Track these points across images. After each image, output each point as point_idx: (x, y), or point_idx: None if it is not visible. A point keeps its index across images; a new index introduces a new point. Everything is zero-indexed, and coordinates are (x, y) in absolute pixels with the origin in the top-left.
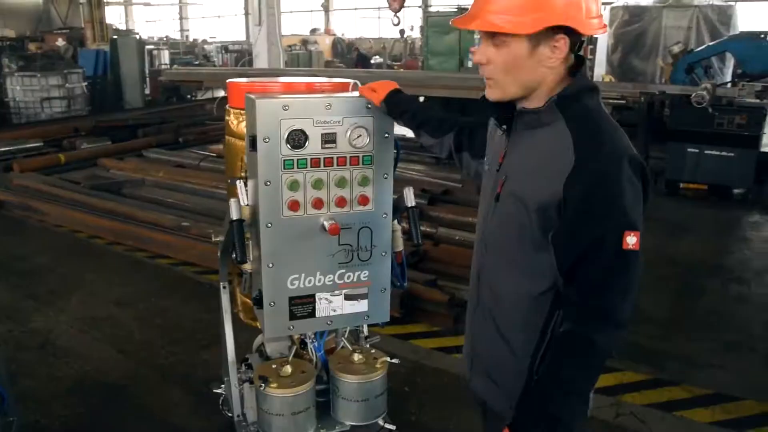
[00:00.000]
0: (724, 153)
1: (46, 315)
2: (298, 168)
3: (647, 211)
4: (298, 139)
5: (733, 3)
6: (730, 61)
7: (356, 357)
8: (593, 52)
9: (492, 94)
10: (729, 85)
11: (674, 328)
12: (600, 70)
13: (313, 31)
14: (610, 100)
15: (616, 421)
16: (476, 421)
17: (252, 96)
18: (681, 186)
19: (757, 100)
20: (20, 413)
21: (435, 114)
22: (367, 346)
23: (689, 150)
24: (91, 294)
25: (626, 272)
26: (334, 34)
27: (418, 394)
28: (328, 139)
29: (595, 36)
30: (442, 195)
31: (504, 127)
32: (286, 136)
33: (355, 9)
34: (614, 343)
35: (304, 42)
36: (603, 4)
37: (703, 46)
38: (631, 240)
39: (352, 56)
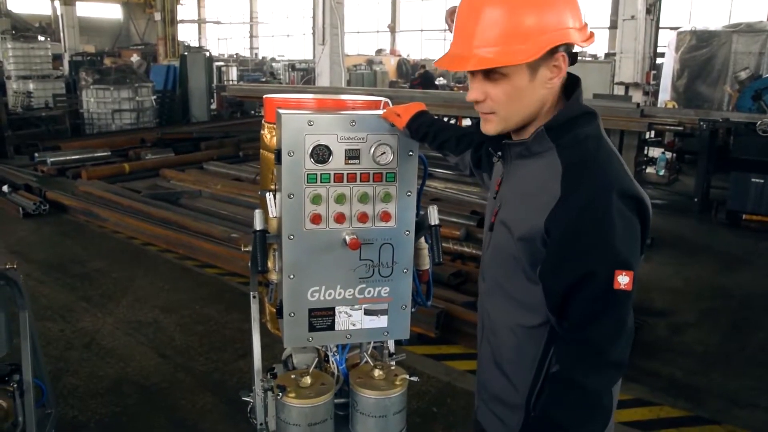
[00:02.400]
0: None
1: (95, 316)
2: (321, 182)
3: (646, 251)
4: (322, 154)
5: None
6: None
7: (377, 373)
8: (656, 77)
9: (492, 129)
10: None
11: (719, 364)
12: (664, 96)
13: (379, 51)
14: (667, 127)
15: None
16: None
17: (280, 111)
18: (743, 217)
19: None
20: (58, 407)
21: (455, 132)
22: (392, 363)
23: (753, 180)
24: (139, 299)
25: (616, 313)
26: (400, 55)
27: (446, 416)
28: (352, 155)
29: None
30: (473, 214)
31: (499, 154)
32: (310, 151)
33: (421, 30)
34: (609, 384)
35: (369, 62)
36: (671, 29)
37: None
38: (623, 280)
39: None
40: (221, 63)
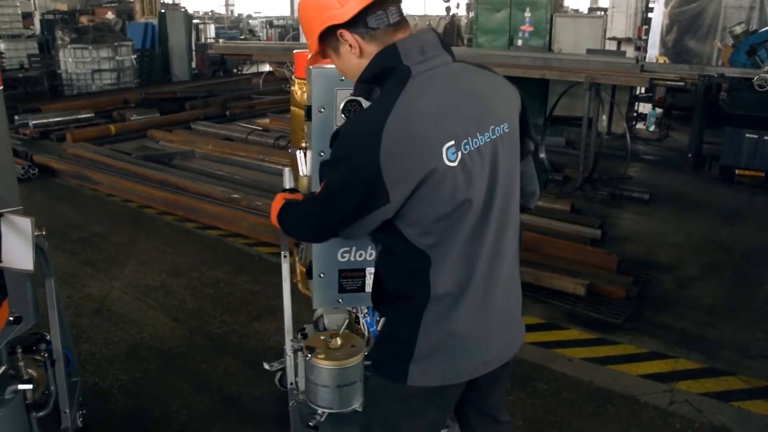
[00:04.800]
0: None
1: (101, 281)
2: None
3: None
4: (353, 109)
5: None
6: None
7: None
8: (647, 32)
9: None
10: None
11: (728, 317)
12: (653, 52)
13: None
14: (669, 82)
15: (670, 408)
16: (526, 401)
17: (312, 66)
18: (737, 173)
19: None
20: (81, 375)
21: None
22: None
23: (747, 136)
24: (144, 262)
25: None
26: None
27: None
28: None
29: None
30: None
31: None
32: (341, 107)
33: None
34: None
35: None
36: None
37: (767, 27)
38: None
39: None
40: (198, 21)
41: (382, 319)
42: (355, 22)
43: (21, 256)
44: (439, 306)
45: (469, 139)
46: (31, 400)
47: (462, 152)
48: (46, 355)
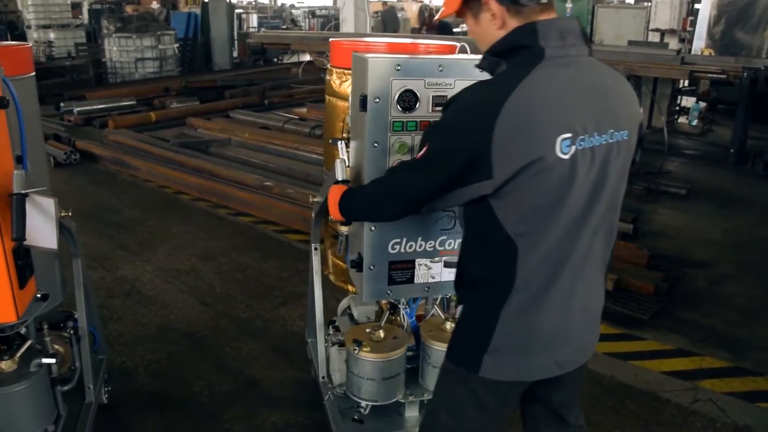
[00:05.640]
0: None
1: (134, 264)
2: (407, 130)
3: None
4: (408, 100)
5: None
6: None
7: (448, 325)
8: (693, 23)
9: None
10: None
11: (761, 316)
12: (699, 43)
13: None
14: (710, 75)
15: (692, 406)
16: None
17: (363, 54)
18: None
19: None
20: (108, 353)
21: None
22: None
23: None
24: (176, 247)
25: (413, 169)
26: (421, 1)
27: None
28: (439, 102)
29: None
30: None
31: None
32: (396, 97)
33: None
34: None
35: (392, 8)
36: None
37: None
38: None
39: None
40: (241, 10)
41: (461, 306)
42: None
43: (45, 235)
44: (521, 299)
45: (586, 136)
46: (56, 374)
47: (576, 147)
48: (72, 332)
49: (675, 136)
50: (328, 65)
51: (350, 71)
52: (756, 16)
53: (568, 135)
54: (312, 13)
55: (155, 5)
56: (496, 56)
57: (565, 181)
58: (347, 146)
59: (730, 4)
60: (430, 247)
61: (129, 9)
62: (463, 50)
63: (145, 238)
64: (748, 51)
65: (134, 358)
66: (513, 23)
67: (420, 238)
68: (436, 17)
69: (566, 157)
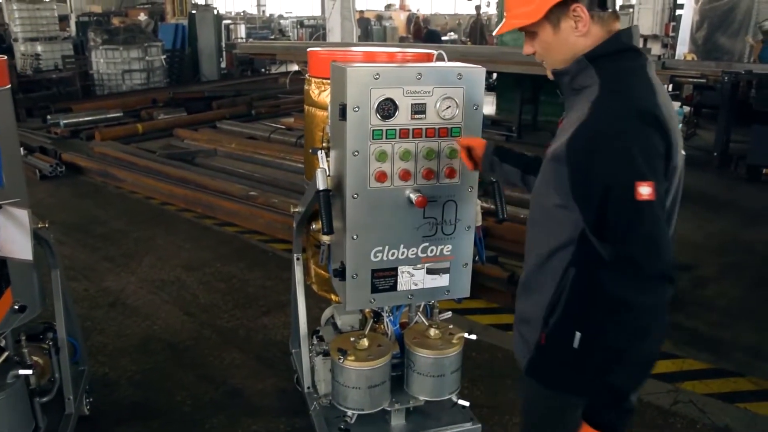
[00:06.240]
0: None
1: (118, 276)
2: (386, 138)
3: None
4: (388, 108)
5: None
6: None
7: (432, 332)
8: (675, 29)
9: (548, 73)
10: None
11: (743, 318)
12: (682, 48)
13: (388, 6)
14: (690, 79)
15: (673, 408)
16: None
17: (341, 64)
18: (764, 171)
19: None
20: (90, 364)
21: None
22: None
23: None
24: (161, 258)
25: (644, 223)
26: (409, 10)
27: (471, 370)
28: (418, 110)
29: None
30: None
31: (558, 91)
32: (376, 106)
33: None
34: (654, 297)
35: (379, 17)
36: None
37: None
38: (645, 190)
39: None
40: (229, 21)
41: (551, 325)
42: (600, 2)
43: (20, 246)
44: None
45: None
46: (35, 385)
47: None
48: (51, 343)
49: None
50: (307, 75)
51: (329, 81)
52: (737, 22)
53: (681, 141)
54: (300, 23)
55: (142, 17)
56: (591, 60)
57: (670, 193)
58: (327, 155)
59: (712, 9)
60: (412, 255)
61: (116, 21)
62: (440, 58)
63: (130, 249)
64: (730, 55)
65: (117, 369)
66: (595, 30)
67: (402, 246)
68: (497, 31)
69: (681, 164)
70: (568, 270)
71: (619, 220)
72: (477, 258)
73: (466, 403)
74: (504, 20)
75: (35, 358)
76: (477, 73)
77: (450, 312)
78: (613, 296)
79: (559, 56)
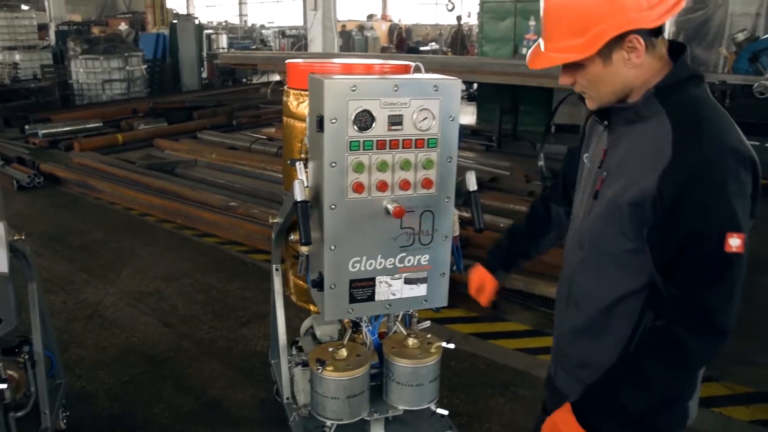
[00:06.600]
0: None
1: (96, 287)
2: (364, 150)
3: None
4: (365, 120)
5: None
6: None
7: (411, 341)
8: None
9: (591, 105)
10: None
11: None
12: None
13: (370, 17)
14: None
15: None
16: (505, 406)
17: (318, 76)
18: None
19: None
20: (67, 378)
21: (534, 222)
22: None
23: (750, 143)
24: (140, 269)
25: (728, 276)
26: (391, 21)
27: (450, 378)
28: (395, 121)
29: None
30: (489, 182)
31: (605, 123)
32: (353, 117)
33: None
34: (711, 350)
35: (361, 27)
36: None
37: (758, 39)
38: (734, 242)
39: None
40: (210, 31)
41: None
42: (653, 29)
43: None
44: None
45: None
46: (9, 400)
47: None
48: (27, 357)
49: None
50: (286, 87)
51: (307, 92)
52: (711, 33)
53: None
54: (282, 33)
55: (123, 27)
56: (664, 91)
57: None
58: (306, 166)
59: (687, 21)
60: (390, 265)
61: (96, 30)
62: (417, 70)
63: (109, 260)
64: (705, 66)
65: (94, 382)
66: (648, 60)
67: (380, 256)
68: (534, 64)
69: None
70: (646, 314)
71: (703, 270)
72: (455, 267)
73: (445, 412)
74: (542, 49)
75: (10, 372)
76: (453, 85)
77: (429, 321)
78: (669, 331)
79: (607, 89)
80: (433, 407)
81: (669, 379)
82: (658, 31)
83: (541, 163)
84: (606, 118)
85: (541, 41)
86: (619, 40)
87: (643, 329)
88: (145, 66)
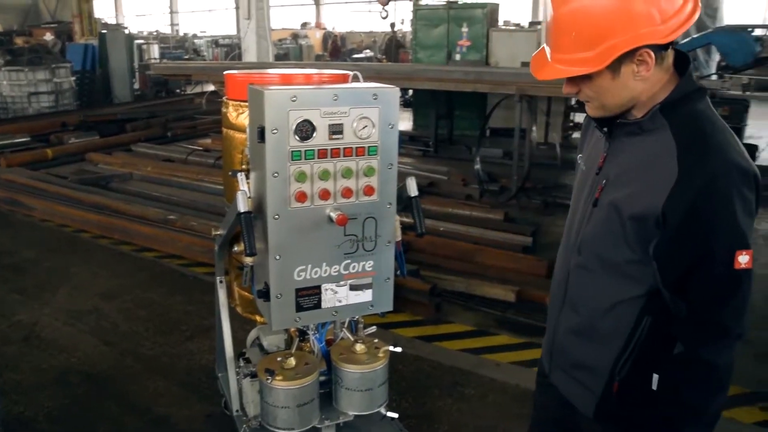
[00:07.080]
0: None
1: (31, 308)
2: (305, 159)
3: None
4: (306, 130)
5: None
6: (716, 54)
7: (358, 347)
8: None
9: (593, 113)
10: (714, 77)
11: None
12: None
13: (304, 25)
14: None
15: None
16: (453, 406)
17: (258, 87)
18: None
19: (740, 93)
20: (3, 404)
21: None
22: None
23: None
24: (77, 287)
25: (739, 293)
26: (325, 28)
27: (398, 382)
28: (336, 130)
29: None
30: (428, 187)
31: (605, 130)
32: (294, 127)
33: (346, 2)
34: (732, 357)
35: (295, 36)
36: None
37: (687, 39)
38: (744, 259)
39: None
40: (141, 41)
41: (624, 373)
42: (663, 43)
43: None
44: None
45: None
46: None
47: None
48: None
49: (570, 151)
50: (224, 98)
51: (246, 103)
52: None
53: None
54: (215, 42)
55: (48, 37)
56: (671, 106)
57: None
58: (247, 177)
59: None
60: (335, 272)
61: (19, 41)
62: (356, 78)
63: (43, 279)
64: None
65: (33, 406)
66: (656, 73)
67: (325, 264)
68: (540, 75)
69: None
70: (643, 318)
71: (715, 288)
72: (398, 272)
73: (395, 415)
74: (548, 58)
75: None
76: (391, 93)
77: (374, 327)
78: (696, 356)
79: (614, 101)
80: (383, 411)
81: (715, 400)
82: (669, 44)
83: (477, 166)
84: (606, 125)
85: (546, 48)
86: (629, 54)
87: (640, 334)
88: (73, 78)
